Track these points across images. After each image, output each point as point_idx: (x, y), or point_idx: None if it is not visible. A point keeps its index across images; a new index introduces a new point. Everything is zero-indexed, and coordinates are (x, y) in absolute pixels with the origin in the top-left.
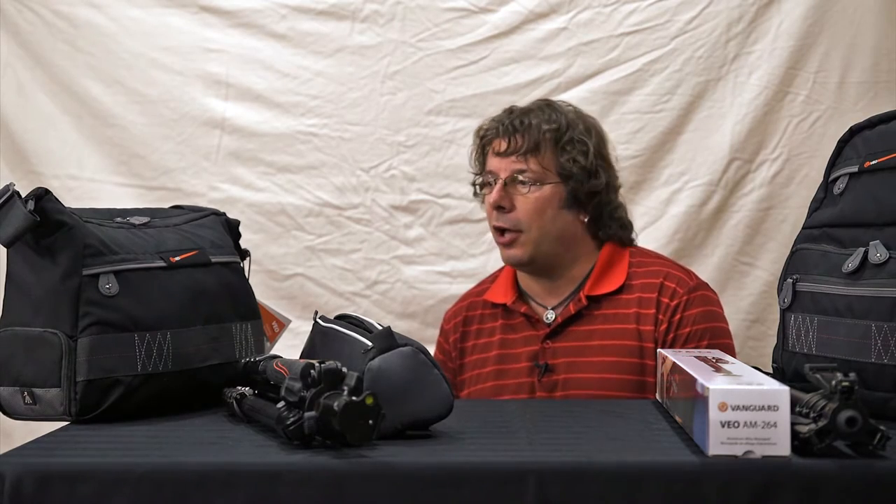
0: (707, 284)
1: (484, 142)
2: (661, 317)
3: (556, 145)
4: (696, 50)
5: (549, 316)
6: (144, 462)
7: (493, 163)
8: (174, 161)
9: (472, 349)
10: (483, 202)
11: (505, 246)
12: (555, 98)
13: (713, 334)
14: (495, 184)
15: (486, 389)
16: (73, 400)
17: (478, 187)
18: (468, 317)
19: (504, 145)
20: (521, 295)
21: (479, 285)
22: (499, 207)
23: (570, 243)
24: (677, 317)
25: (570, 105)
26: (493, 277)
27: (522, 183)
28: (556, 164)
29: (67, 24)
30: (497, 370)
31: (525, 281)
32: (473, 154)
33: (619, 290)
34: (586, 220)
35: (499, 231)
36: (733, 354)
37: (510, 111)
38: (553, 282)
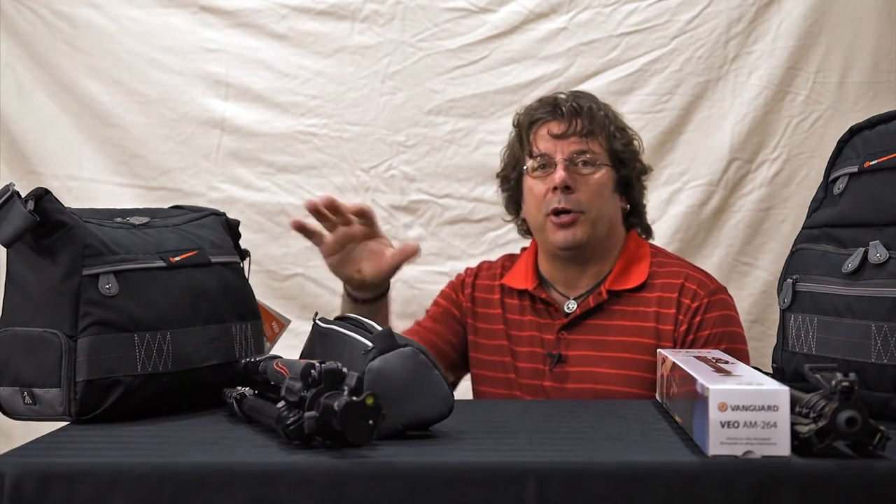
0: (725, 288)
1: (534, 126)
2: (681, 317)
3: (607, 131)
4: (696, 50)
5: (571, 306)
6: (144, 462)
7: (548, 145)
8: (174, 161)
9: (485, 318)
10: (508, 193)
11: (563, 227)
12: None
13: (731, 339)
14: (549, 167)
15: (497, 367)
16: (73, 400)
17: (509, 177)
18: (490, 285)
19: (563, 127)
20: (541, 282)
21: (500, 263)
22: (565, 188)
23: (613, 230)
24: (698, 319)
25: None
26: (507, 263)
27: (584, 164)
28: (609, 148)
29: (67, 24)
30: (511, 353)
31: (548, 270)
32: (515, 140)
33: (640, 288)
34: (626, 207)
35: (555, 213)
36: (747, 360)
37: (555, 98)
38: (579, 272)
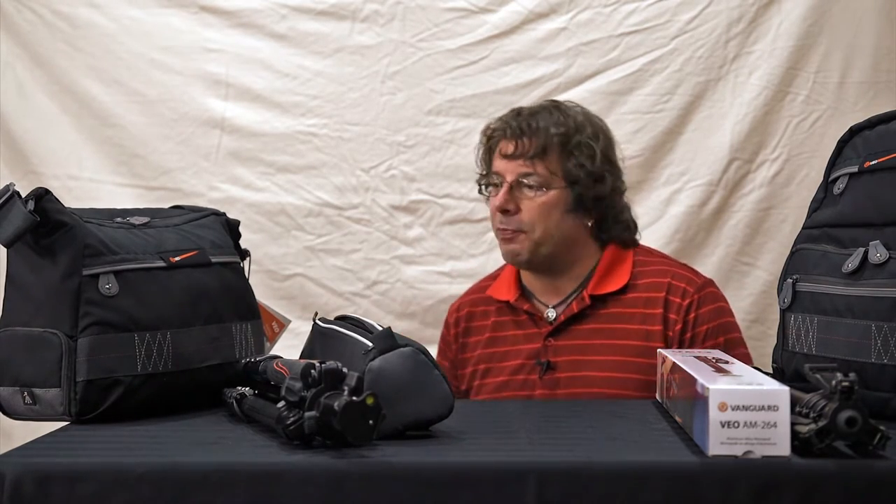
0: (712, 281)
1: (491, 142)
2: (673, 316)
3: (563, 149)
4: (696, 50)
5: (551, 314)
6: (144, 462)
7: (500, 165)
8: (174, 161)
9: (475, 345)
10: (487, 201)
11: (506, 241)
12: (555, 98)
13: (726, 330)
14: (501, 186)
15: (488, 385)
16: (73, 400)
17: (483, 186)
18: (472, 312)
19: (511, 148)
20: (523, 292)
21: (482, 281)
22: (504, 210)
23: (572, 246)
24: (692, 315)
25: (578, 106)
26: (496, 275)
27: (529, 187)
28: (562, 168)
29: (67, 24)
30: (500, 367)
31: (528, 278)
32: (480, 153)
33: (624, 290)
34: (591, 223)
35: (500, 230)
36: (745, 346)
37: (518, 112)
38: (555, 280)
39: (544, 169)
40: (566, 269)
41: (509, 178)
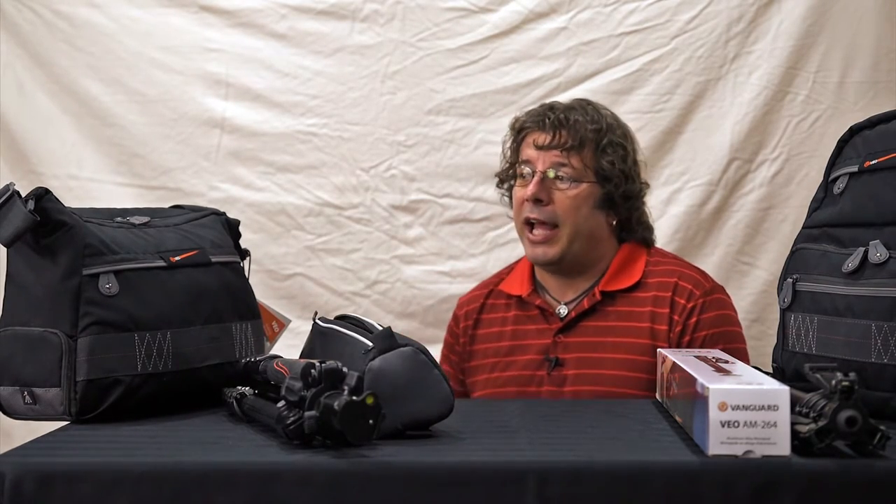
0: (722, 287)
1: (523, 133)
2: (675, 318)
3: (597, 146)
4: (696, 50)
5: (562, 310)
6: (144, 462)
7: (531, 154)
8: (174, 161)
9: (484, 337)
10: (506, 194)
11: (535, 244)
12: (555, 98)
13: (728, 339)
14: (531, 176)
15: (495, 380)
16: (73, 400)
17: (505, 180)
18: (484, 304)
19: (547, 138)
20: (536, 287)
21: (495, 276)
22: (536, 200)
23: (596, 243)
24: (693, 319)
25: (606, 108)
26: (510, 269)
27: (561, 178)
28: (595, 164)
29: (67, 23)
30: (507, 361)
31: (542, 274)
32: (507, 144)
33: (635, 288)
34: (615, 222)
35: (529, 225)
36: (746, 358)
37: (551, 106)
38: (570, 278)
39: (579, 162)
40: (585, 268)
41: (541, 167)
